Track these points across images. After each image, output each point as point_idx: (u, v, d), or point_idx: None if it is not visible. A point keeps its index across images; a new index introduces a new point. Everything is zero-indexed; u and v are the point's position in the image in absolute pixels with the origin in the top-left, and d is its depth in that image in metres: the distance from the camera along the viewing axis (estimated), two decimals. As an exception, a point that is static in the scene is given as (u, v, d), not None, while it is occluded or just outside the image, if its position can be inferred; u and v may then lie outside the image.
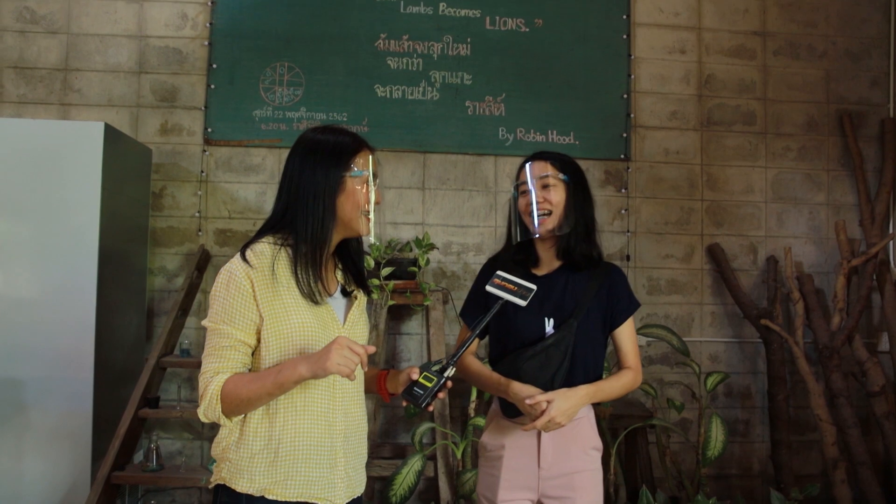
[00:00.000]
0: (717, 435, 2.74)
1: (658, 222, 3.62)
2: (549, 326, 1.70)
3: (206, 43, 3.44)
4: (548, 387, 1.64)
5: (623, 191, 3.59)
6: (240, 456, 1.34)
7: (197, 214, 3.42)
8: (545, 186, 1.73)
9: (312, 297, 1.37)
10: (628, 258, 3.57)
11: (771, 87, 3.75)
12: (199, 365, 1.36)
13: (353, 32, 3.52)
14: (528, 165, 1.78)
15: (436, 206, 3.53)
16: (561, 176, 1.74)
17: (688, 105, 3.68)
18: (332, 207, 1.38)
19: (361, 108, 3.52)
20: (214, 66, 3.44)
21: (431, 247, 3.21)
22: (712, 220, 3.64)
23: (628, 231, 3.58)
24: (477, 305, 1.81)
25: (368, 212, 1.41)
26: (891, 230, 3.73)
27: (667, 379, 3.56)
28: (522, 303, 1.53)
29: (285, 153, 3.61)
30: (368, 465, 2.98)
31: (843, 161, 3.78)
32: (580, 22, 3.62)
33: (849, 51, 3.81)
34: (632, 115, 3.61)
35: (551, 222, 1.72)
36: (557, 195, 1.72)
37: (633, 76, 3.62)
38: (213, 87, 3.44)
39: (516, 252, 1.80)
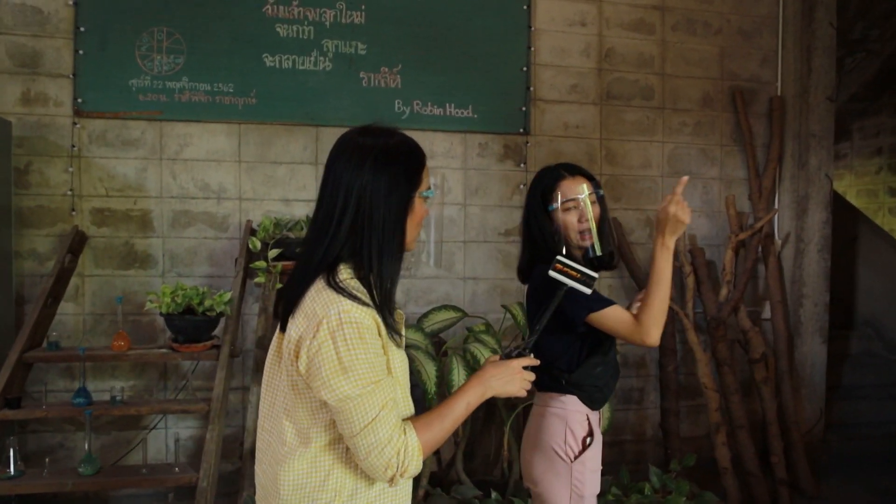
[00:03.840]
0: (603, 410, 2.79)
1: (556, 197, 3.61)
2: None
3: (71, 2, 3.15)
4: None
5: (522, 165, 3.56)
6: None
7: (69, 192, 3.17)
8: (593, 203, 1.72)
9: (399, 336, 1.24)
10: (526, 234, 3.56)
11: (669, 63, 3.78)
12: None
13: (238, -4, 3.30)
14: (570, 184, 1.74)
15: (331, 182, 3.40)
16: (600, 191, 1.76)
17: (588, 79, 3.66)
18: (403, 233, 1.21)
19: (249, 79, 3.32)
20: (82, 28, 3.16)
21: (323, 226, 3.10)
22: (610, 194, 3.66)
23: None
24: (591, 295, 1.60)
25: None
26: (776, 205, 3.87)
27: (565, 352, 3.61)
28: (587, 291, 1.46)
29: (168, 126, 3.45)
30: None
31: (735, 137, 3.87)
32: (479, -9, 3.52)
33: (742, 29, 3.87)
34: (531, 89, 3.57)
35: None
36: (596, 211, 1.73)
37: (532, 48, 3.57)
38: (81, 52, 3.16)
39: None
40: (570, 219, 1.72)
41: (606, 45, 3.68)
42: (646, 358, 3.70)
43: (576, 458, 1.70)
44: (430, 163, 3.22)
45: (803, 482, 3.44)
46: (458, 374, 2.59)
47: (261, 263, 2.94)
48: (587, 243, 1.69)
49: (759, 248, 3.67)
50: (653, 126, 3.74)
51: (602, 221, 1.74)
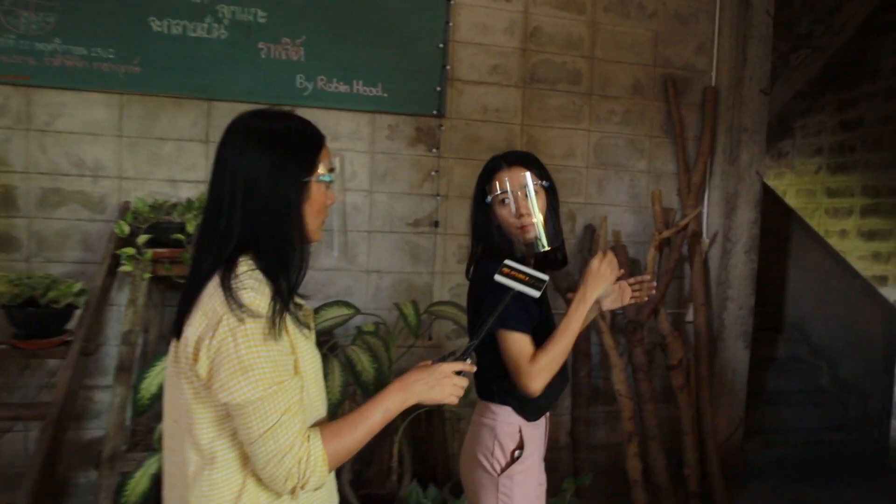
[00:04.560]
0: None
1: (472, 186, 3.33)
2: None
3: (-83, -53, 2.75)
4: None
5: (434, 150, 3.30)
6: None
7: (-86, 163, 2.80)
8: (538, 194, 1.64)
9: (308, 330, 1.17)
10: (437, 224, 3.31)
11: (599, 46, 3.55)
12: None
13: (117, -51, 2.94)
14: (506, 174, 1.66)
15: (222, 162, 3.09)
16: (543, 183, 1.68)
17: (511, 59, 3.41)
18: (300, 221, 1.15)
19: (133, 45, 2.97)
20: (-70, -23, 2.77)
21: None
22: (530, 185, 3.43)
23: (438, 195, 3.31)
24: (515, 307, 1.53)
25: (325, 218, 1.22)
26: (705, 201, 3.70)
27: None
28: (536, 293, 1.39)
29: (37, 94, 3.04)
30: (124, 459, 2.61)
31: (665, 128, 3.67)
32: (393, -42, 3.22)
33: (678, 13, 3.66)
34: (448, 67, 3.29)
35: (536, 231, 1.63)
36: (541, 202, 1.64)
37: (451, 24, 3.29)
38: (-71, 4, 2.78)
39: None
40: (504, 212, 1.64)
41: (532, 23, 3.43)
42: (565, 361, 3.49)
43: (502, 471, 1.63)
44: (334, 145, 2.90)
45: (716, 494, 3.29)
46: (335, 379, 2.33)
47: (129, 250, 2.62)
48: (530, 237, 1.61)
49: (686, 247, 3.50)
50: (579, 113, 3.52)
51: (550, 214, 1.65)
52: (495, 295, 1.42)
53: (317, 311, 2.85)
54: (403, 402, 1.19)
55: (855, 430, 4.31)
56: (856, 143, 5.90)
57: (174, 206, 2.85)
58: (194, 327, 1.07)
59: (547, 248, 1.61)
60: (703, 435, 3.37)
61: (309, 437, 1.08)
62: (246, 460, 1.10)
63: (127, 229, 2.65)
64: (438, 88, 3.27)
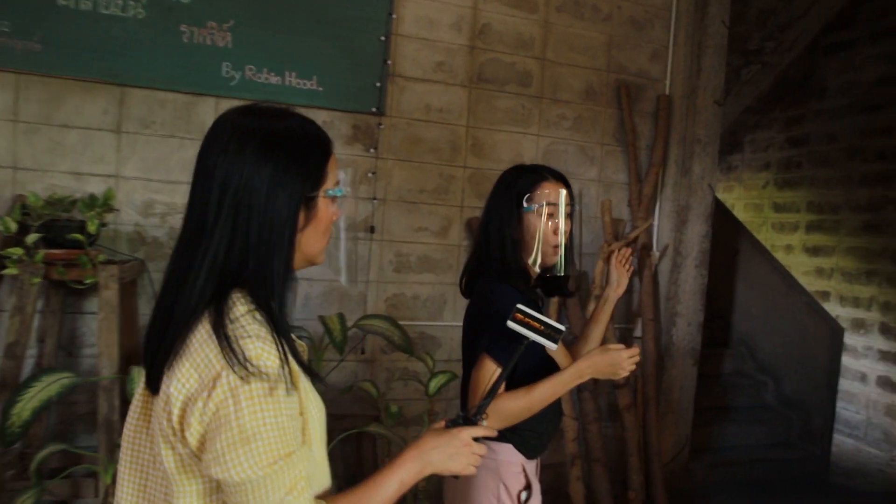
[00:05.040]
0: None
1: (412, 189, 3.15)
2: None
3: None
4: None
5: (372, 150, 3.07)
6: None
7: None
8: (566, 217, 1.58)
9: (312, 371, 0.96)
10: (373, 230, 3.07)
11: (551, 47, 3.38)
12: None
13: (18, -88, 2.62)
14: (553, 188, 1.57)
15: (135, 156, 2.79)
16: (577, 207, 1.61)
17: (457, 57, 3.21)
18: (292, 243, 0.93)
19: (33, 19, 2.65)
20: None
21: (109, 208, 2.50)
22: (475, 190, 3.24)
23: (375, 198, 3.08)
24: (507, 339, 1.37)
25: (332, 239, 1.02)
26: (657, 213, 3.57)
27: (413, 368, 3.15)
28: (552, 346, 1.27)
29: None
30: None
31: (618, 136, 3.53)
32: (333, -59, 2.98)
33: (633, 18, 3.53)
34: (390, 62, 3.07)
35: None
36: (567, 226, 1.58)
37: (395, 16, 3.07)
38: None
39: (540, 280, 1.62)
40: (545, 227, 1.52)
41: (482, 20, 3.24)
42: (504, 376, 3.30)
43: None
44: None
45: (662, 518, 3.16)
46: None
47: (16, 250, 2.30)
48: (554, 259, 1.53)
49: (635, 260, 3.35)
50: (528, 116, 3.34)
51: (570, 240, 1.58)
52: (509, 332, 1.27)
53: (236, 322, 2.58)
54: (419, 472, 1.03)
55: (798, 448, 4.26)
56: (802, 159, 5.93)
57: (74, 202, 2.54)
58: (180, 383, 0.86)
59: (561, 275, 1.55)
60: (649, 455, 3.22)
61: None
62: None
63: (14, 226, 2.33)
64: (378, 84, 3.04)
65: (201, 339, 0.87)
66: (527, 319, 1.26)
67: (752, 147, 6.52)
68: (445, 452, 1.05)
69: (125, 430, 1.00)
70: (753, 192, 6.46)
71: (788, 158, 6.07)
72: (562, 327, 1.28)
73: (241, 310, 0.88)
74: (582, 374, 1.45)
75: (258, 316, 0.88)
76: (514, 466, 1.50)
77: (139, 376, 2.21)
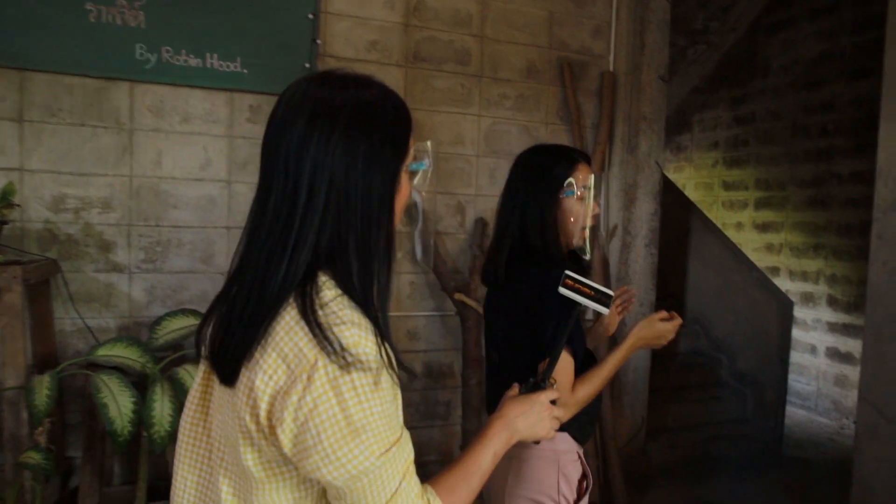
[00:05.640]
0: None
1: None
2: None
3: None
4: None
5: (305, 136, 2.90)
6: None
7: None
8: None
9: (399, 360, 0.87)
10: (309, 220, 2.92)
11: (490, 24, 3.26)
12: None
13: None
14: (586, 172, 1.56)
15: (42, 147, 2.57)
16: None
17: (392, 35, 3.06)
18: (393, 222, 0.89)
19: (-84, -3, 2.41)
20: None
21: (9, 204, 2.29)
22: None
23: (310, 186, 2.92)
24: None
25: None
26: (604, 192, 3.49)
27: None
28: (604, 310, 1.25)
29: None
30: None
31: (562, 114, 3.43)
32: (252, -88, 2.79)
33: (573, -9, 3.43)
34: (319, 42, 2.91)
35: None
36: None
37: (323, -8, 2.91)
38: None
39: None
40: (579, 209, 1.52)
41: (416, -3, 3.10)
42: (454, 367, 3.19)
43: None
44: (184, 127, 2.44)
45: (617, 502, 3.09)
46: (161, 407, 1.91)
47: None
48: (582, 241, 1.54)
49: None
50: (468, 96, 3.22)
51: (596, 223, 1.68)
52: (562, 311, 1.30)
53: (158, 321, 2.41)
54: (508, 441, 1.04)
55: (753, 422, 4.27)
56: (749, 137, 5.96)
57: (-32, 198, 2.32)
58: (266, 375, 0.78)
59: (588, 257, 1.57)
60: (604, 440, 3.15)
61: (429, 500, 0.87)
62: None
63: None
64: (308, 65, 2.87)
65: (287, 326, 0.80)
66: (577, 285, 1.25)
67: (701, 127, 6.54)
68: (529, 419, 1.07)
69: (182, 424, 0.94)
70: (703, 172, 6.49)
71: (736, 137, 6.10)
72: (611, 292, 1.27)
73: (329, 294, 0.82)
74: (634, 348, 1.55)
75: (347, 302, 0.82)
76: (572, 455, 1.49)
77: (187, 376, 2.03)
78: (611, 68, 3.50)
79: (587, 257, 1.56)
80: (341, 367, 0.77)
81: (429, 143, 0.96)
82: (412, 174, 0.94)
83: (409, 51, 3.08)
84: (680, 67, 6.09)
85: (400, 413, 0.87)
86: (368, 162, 0.84)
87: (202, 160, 2.78)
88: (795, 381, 5.28)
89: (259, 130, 2.85)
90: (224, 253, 2.82)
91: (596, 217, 1.57)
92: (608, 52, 3.52)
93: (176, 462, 0.93)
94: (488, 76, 3.25)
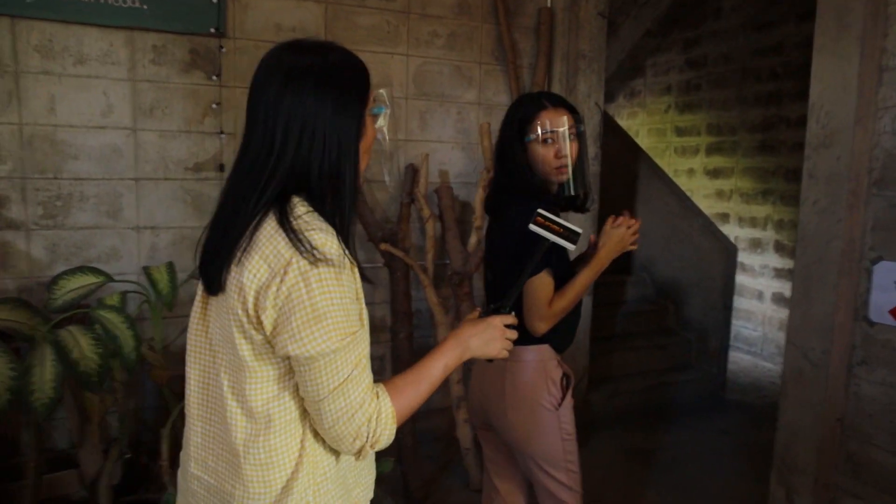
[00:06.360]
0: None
1: (267, 122, 2.81)
2: None
3: None
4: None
5: (215, 78, 2.69)
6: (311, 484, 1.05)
7: None
8: (572, 139, 1.69)
9: (364, 278, 1.07)
10: (222, 168, 2.73)
11: (418, -44, 3.04)
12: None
13: None
14: (550, 115, 1.68)
15: (-86, 91, 2.33)
16: (580, 128, 1.72)
17: (309, -32, 2.83)
18: (357, 158, 1.04)
19: None
20: None
21: None
22: (340, 120, 2.92)
23: (223, 132, 2.73)
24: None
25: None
26: (541, 136, 3.35)
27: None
28: (571, 246, 1.40)
29: None
30: None
31: (497, 54, 3.26)
32: None
33: (506, -80, 3.22)
34: (228, -26, 2.68)
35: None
36: (574, 147, 1.70)
37: (229, -81, 2.66)
38: None
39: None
40: (547, 153, 1.67)
41: (335, -75, 2.86)
42: (386, 320, 3.08)
43: (560, 404, 1.70)
44: (79, 70, 2.24)
45: (556, 453, 3.06)
46: (41, 372, 1.76)
47: None
48: (563, 178, 1.67)
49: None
50: (395, 34, 3.02)
51: (579, 159, 1.69)
52: (529, 245, 1.43)
53: (55, 281, 2.23)
54: (460, 357, 1.18)
55: (697, 369, 4.28)
56: (701, 81, 5.85)
57: None
58: (251, 273, 0.95)
59: (574, 194, 1.68)
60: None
61: (378, 393, 1.02)
62: (303, 422, 1.03)
63: None
64: (216, 0, 2.65)
65: (268, 234, 0.96)
66: (547, 223, 1.37)
67: (654, 71, 6.40)
68: (482, 339, 1.20)
69: (189, 337, 1.11)
70: (656, 118, 6.39)
71: (688, 81, 5.99)
72: (579, 230, 1.38)
73: (302, 209, 0.99)
74: (603, 260, 1.66)
75: (317, 215, 0.99)
76: (553, 361, 1.71)
77: (70, 338, 1.90)
78: (548, 4, 3.32)
79: (571, 193, 1.67)
80: (311, 263, 0.93)
81: (383, 91, 1.14)
82: (374, 117, 1.10)
83: (328, -15, 2.87)
84: (632, 10, 5.91)
85: (363, 312, 1.03)
86: (336, 107, 1.00)
87: (103, 106, 2.56)
88: (743, 328, 5.31)
89: (165, 73, 2.65)
90: (133, 206, 2.63)
91: (575, 156, 1.66)
92: (546, -12, 3.33)
93: (186, 368, 1.10)
94: (416, 12, 3.06)
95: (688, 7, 5.86)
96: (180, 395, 2.51)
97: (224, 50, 2.69)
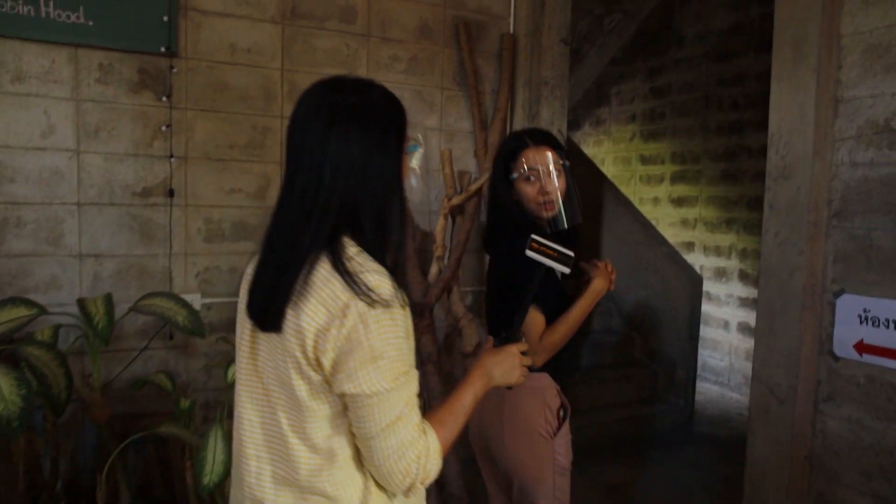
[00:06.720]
0: (215, 454, 1.96)
1: (220, 145, 2.69)
2: None
3: None
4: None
5: (165, 99, 2.58)
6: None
7: None
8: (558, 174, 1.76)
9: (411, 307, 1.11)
10: (172, 193, 2.61)
11: (379, -20, 2.99)
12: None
13: None
14: (532, 153, 1.76)
15: None
16: (564, 163, 1.77)
17: (267, -11, 2.76)
18: (402, 194, 1.11)
19: None
20: None
21: None
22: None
23: (172, 156, 2.60)
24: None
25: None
26: (504, 163, 3.30)
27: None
28: (566, 270, 1.48)
29: None
30: None
31: (459, 79, 3.21)
32: None
33: (470, -54, 3.20)
34: (180, -7, 2.58)
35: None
36: (562, 182, 1.75)
37: (183, -64, 2.57)
38: None
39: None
40: (531, 190, 1.73)
41: (294, -54, 2.80)
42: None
43: (556, 433, 1.73)
44: (18, 87, 2.09)
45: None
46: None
47: None
48: (549, 214, 1.73)
49: (482, 215, 3.08)
50: (354, 57, 2.95)
51: (568, 194, 1.74)
52: (527, 271, 1.49)
53: (-19, 312, 2.07)
54: (486, 385, 1.23)
55: (664, 400, 4.23)
56: (665, 109, 5.91)
57: None
58: (309, 317, 0.99)
59: (565, 227, 1.73)
60: (506, 425, 3.00)
61: (425, 430, 1.05)
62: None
63: None
64: (167, 18, 2.54)
65: (323, 277, 0.99)
66: (542, 248, 1.44)
67: (619, 99, 6.46)
68: (503, 368, 1.25)
69: (238, 376, 1.13)
70: (622, 146, 6.43)
71: (652, 109, 6.05)
72: (571, 253, 1.44)
73: (353, 250, 1.02)
74: (593, 294, 1.73)
75: (367, 256, 1.02)
76: (552, 390, 1.75)
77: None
78: (511, 30, 3.29)
79: (564, 227, 1.73)
80: (368, 304, 0.96)
81: (420, 132, 1.20)
82: (409, 155, 1.17)
83: (286, 6, 2.79)
84: (598, 38, 5.96)
85: (412, 352, 1.05)
86: (381, 147, 1.05)
87: (43, 126, 2.43)
88: (709, 357, 5.30)
89: (112, 93, 2.53)
90: (75, 233, 2.49)
91: (553, 193, 1.71)
92: (508, 13, 3.31)
93: (238, 407, 1.12)
94: (377, 36, 3.00)
95: (652, 35, 5.94)
96: (121, 436, 2.36)
97: (175, 70, 2.58)
